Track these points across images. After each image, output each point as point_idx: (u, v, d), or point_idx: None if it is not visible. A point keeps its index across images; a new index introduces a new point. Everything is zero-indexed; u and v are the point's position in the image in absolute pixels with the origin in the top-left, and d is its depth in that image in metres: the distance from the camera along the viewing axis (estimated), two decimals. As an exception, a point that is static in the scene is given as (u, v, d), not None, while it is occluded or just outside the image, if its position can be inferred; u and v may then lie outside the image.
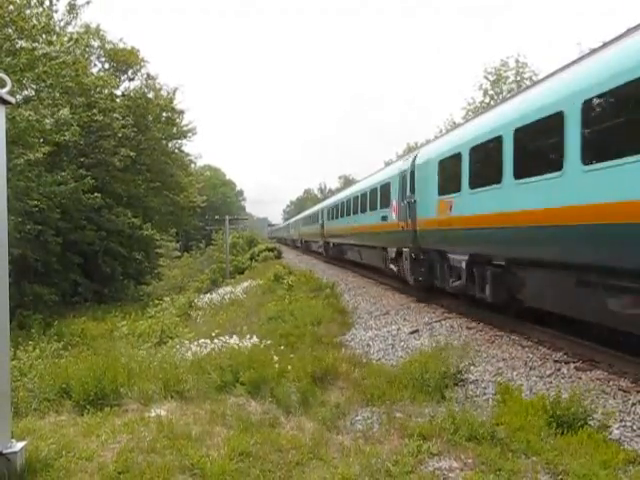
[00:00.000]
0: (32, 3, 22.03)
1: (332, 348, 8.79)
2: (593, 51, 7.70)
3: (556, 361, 7.88)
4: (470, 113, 35.00)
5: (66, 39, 23.81)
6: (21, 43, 19.93)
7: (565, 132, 7.36)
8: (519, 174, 8.63)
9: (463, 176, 10.77)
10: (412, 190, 14.19)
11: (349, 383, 6.85)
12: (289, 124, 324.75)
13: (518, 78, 33.69)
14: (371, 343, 10.11)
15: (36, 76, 20.71)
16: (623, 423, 5.47)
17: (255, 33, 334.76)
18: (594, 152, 6.96)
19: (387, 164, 31.78)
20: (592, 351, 7.95)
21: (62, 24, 25.60)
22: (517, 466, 4.36)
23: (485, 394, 6.62)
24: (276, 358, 7.14)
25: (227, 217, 41.81)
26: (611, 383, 6.72)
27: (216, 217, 54.05)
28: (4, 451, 4.05)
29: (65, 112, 22.03)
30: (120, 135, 31.57)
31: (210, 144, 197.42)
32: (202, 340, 8.75)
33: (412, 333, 10.62)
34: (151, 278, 38.69)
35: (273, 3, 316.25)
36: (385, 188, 17.49)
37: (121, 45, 36.78)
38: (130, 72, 38.42)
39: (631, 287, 6.51)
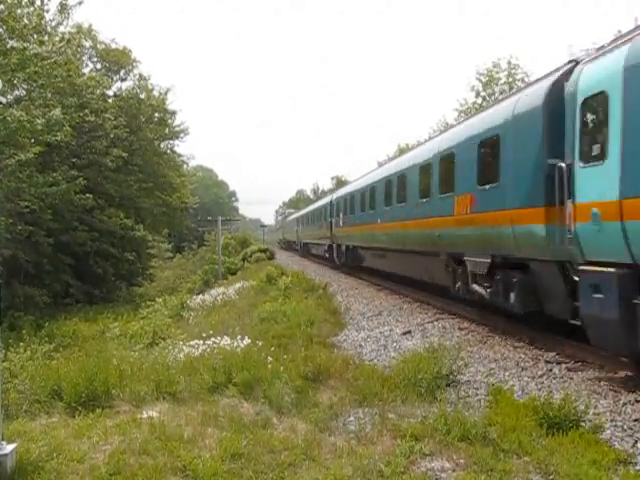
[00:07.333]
0: (23, 3, 21.86)
1: (325, 349, 8.78)
2: None
3: (548, 362, 7.92)
4: (462, 114, 35.07)
5: (58, 39, 23.72)
6: (12, 43, 19.78)
7: None
8: None
9: None
10: (580, 140, 7.09)
11: (342, 384, 6.84)
12: (281, 125, 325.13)
13: (510, 79, 33.80)
14: (363, 344, 10.12)
15: (27, 76, 20.55)
16: (614, 423, 5.50)
17: (247, 31, 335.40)
18: None
19: (380, 164, 31.25)
20: (583, 352, 7.98)
21: (54, 24, 25.46)
22: (509, 466, 4.38)
23: (477, 395, 6.63)
24: (270, 359, 7.13)
25: (219, 218, 41.68)
26: (602, 383, 6.76)
27: (208, 218, 53.92)
28: (-6, 453, 4.02)
29: (57, 112, 21.88)
30: (112, 136, 31.49)
31: (202, 145, 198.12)
32: (194, 341, 8.72)
33: (404, 334, 10.63)
34: (143, 279, 38.52)
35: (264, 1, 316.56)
36: (485, 145, 9.81)
37: (113, 45, 36.77)
38: (122, 72, 38.38)
39: None
